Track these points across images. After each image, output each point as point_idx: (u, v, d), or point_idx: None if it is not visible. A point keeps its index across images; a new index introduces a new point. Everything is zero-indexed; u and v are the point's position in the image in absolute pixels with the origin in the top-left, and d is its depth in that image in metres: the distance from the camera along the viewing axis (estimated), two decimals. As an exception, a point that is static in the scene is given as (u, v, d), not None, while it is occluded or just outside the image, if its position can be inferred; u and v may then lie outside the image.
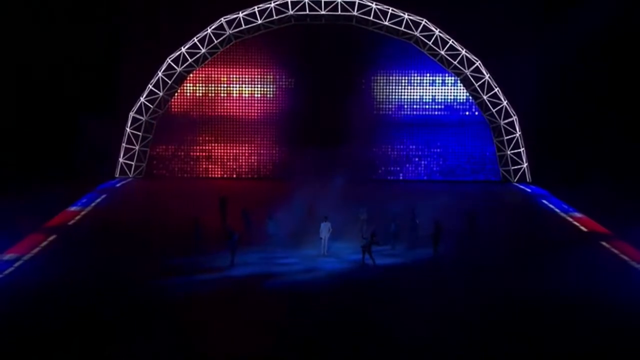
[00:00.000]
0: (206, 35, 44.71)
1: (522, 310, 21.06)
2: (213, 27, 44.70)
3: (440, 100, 46.88)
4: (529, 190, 43.36)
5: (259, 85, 46.76)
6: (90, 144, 39.95)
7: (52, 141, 41.06)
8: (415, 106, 47.01)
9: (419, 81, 46.72)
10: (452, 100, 46.86)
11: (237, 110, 46.95)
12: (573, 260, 25.68)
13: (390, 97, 46.98)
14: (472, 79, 45.34)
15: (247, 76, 46.65)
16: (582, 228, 32.50)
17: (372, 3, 44.19)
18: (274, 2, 44.31)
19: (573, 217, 34.69)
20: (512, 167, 46.35)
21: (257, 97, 46.88)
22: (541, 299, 22.01)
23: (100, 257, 25.92)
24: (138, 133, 45.72)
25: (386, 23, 44.54)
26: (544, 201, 39.01)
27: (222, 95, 46.83)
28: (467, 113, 46.89)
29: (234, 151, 47.25)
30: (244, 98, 46.89)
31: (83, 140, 39.82)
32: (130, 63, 44.14)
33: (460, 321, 20.12)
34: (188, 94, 46.73)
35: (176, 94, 46.45)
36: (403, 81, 46.78)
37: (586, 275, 24.18)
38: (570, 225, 33.18)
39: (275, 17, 44.61)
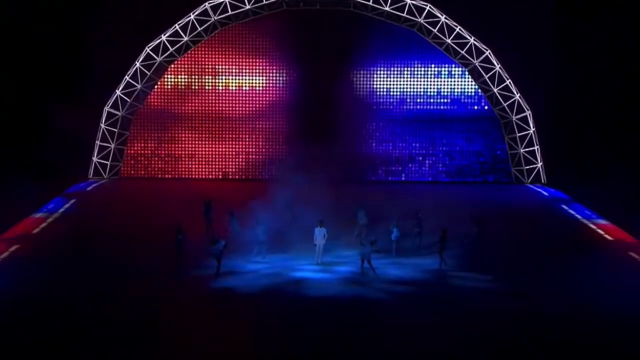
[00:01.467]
0: (189, 21, 44.48)
1: (539, 331, 20.78)
2: (196, 13, 44.46)
3: (446, 94, 46.75)
4: (545, 193, 43.24)
5: (247, 77, 46.47)
6: (59, 141, 39.59)
7: (16, 138, 40.34)
8: (419, 100, 46.90)
9: (423, 72, 46.59)
10: (459, 94, 46.74)
11: (224, 104, 46.68)
12: (597, 275, 25.38)
13: (392, 90, 46.87)
14: (481, 70, 45.25)
15: (234, 67, 46.42)
16: (607, 237, 32.16)
17: (372, -14, 44.22)
18: (263, -14, 44.28)
19: (596, 224, 34.33)
20: (526, 167, 46.29)
21: (245, 89, 46.67)
22: (560, 316, 21.80)
23: (71, 269, 25.60)
24: (114, 129, 45.43)
25: (387, 8, 44.43)
26: (564, 206, 38.64)
27: (206, 87, 46.61)
28: (476, 107, 46.81)
29: (220, 149, 47.01)
30: (230, 91, 46.67)
31: (51, 137, 39.47)
32: (104, 52, 43.67)
33: (468, 340, 19.96)
34: (169, 87, 46.50)
35: (156, 87, 46.23)
36: (405, 73, 46.66)
37: (613, 290, 23.81)
38: (594, 234, 32.75)
39: (264, 2, 44.39)
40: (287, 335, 20.01)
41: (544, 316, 21.71)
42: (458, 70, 46.34)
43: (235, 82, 46.57)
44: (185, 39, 44.77)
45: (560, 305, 22.65)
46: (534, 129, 45.54)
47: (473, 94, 46.65)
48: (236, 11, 44.59)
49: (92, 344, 19.15)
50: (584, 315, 21.78)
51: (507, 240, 30.80)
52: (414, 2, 44.20)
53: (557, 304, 22.83)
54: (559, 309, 22.32)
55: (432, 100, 46.89)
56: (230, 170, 47.18)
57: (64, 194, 40.01)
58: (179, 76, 46.41)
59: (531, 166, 46.21)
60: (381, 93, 46.84)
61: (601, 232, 32.96)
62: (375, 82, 46.78)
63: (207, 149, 46.95)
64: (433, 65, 46.49)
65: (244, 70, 46.44)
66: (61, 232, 31.39)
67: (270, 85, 46.62)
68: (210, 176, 46.99)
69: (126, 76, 44.63)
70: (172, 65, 46.07)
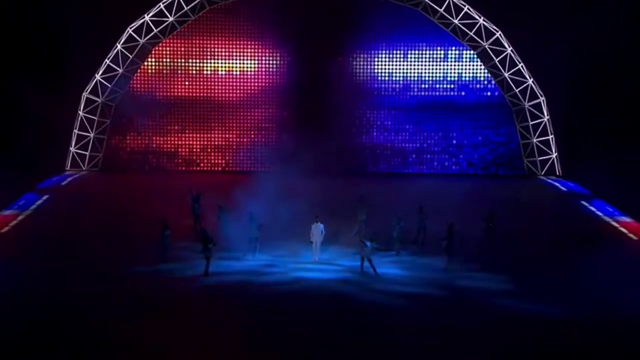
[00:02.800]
0: (174, 0, 44.54)
1: (556, 338, 20.74)
2: (182, -9, 44.61)
3: (453, 79, 46.80)
4: (560, 186, 43.31)
5: (237, 61, 46.50)
6: (33, 130, 39.47)
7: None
8: (424, 86, 46.93)
9: (428, 56, 46.61)
10: (467, 79, 46.77)
11: (212, 90, 46.72)
12: (621, 277, 25.09)
13: (394, 75, 46.88)
14: (491, 53, 45.38)
15: (223, 50, 46.38)
16: (632, 236, 31.87)
17: (373, -38, 44.30)
18: (255, -39, 44.28)
19: (619, 221, 33.97)
20: (539, 158, 46.52)
21: (235, 74, 46.70)
22: (580, 323, 21.81)
23: (43, 273, 25.32)
24: (93, 117, 45.49)
25: (389, -14, 44.65)
26: (583, 202, 38.39)
27: (193, 72, 46.60)
28: (488, 94, 46.81)
29: (208, 139, 47.09)
30: (219, 76, 46.65)
31: (24, 125, 39.35)
32: (82, 33, 43.59)
33: (476, 346, 20.13)
34: (153, 71, 46.51)
35: (138, 71, 46.26)
36: (410, 56, 46.67)
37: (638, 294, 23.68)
38: (616, 233, 32.36)
39: (256, -21, 44.60)
40: (281, 338, 20.14)
41: (560, 322, 21.73)
42: (467, 54, 46.35)
43: (225, 66, 46.57)
44: (171, 19, 44.77)
45: (579, 310, 22.60)
46: (548, 117, 45.69)
47: (482, 79, 46.73)
48: (226, -11, 44.73)
49: (65, 349, 19.23)
50: (606, 322, 21.70)
51: (519, 237, 30.80)
52: (418, -21, 44.35)
53: (575, 307, 22.81)
54: (576, 314, 22.30)
55: (438, 86, 46.95)
56: (220, 161, 47.25)
57: (36, 188, 39.61)
58: (164, 60, 46.41)
59: (545, 157, 46.41)
60: (383, 78, 46.89)
61: (624, 230, 32.74)
62: (376, 67, 46.81)
63: (194, 139, 47.00)
64: (439, 48, 46.52)
65: (234, 54, 46.42)
66: (33, 231, 30.98)
67: (263, 69, 46.59)
68: (197, 168, 47.07)
69: (106, 59, 44.61)
70: (156, 48, 46.09)
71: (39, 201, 36.93)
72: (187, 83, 46.61)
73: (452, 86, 46.95)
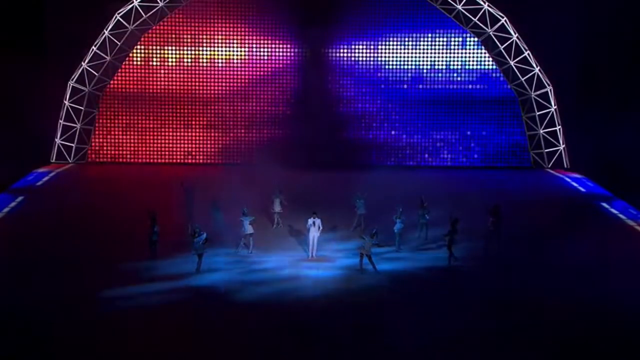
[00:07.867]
0: (164, -16, 44.50)
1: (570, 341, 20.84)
2: (173, -25, 44.50)
3: (457, 68, 46.62)
4: (567, 178, 43.32)
5: (233, 49, 46.12)
6: (15, 121, 39.32)
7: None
8: (427, 76, 46.55)
9: (429, 45, 46.42)
10: (471, 68, 46.52)
11: (205, 80, 46.50)
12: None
13: (394, 64, 46.50)
14: (496, 40, 45.34)
15: (217, 37, 46.02)
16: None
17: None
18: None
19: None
20: (546, 150, 46.54)
21: (227, 62, 46.31)
22: (591, 324, 21.93)
23: (31, 266, 25.41)
24: (79, 107, 45.40)
25: (390, -30, 44.59)
26: (603, 203, 37.83)
27: (172, 60, 46.17)
28: (495, 84, 46.61)
29: (202, 131, 46.91)
30: (213, 65, 46.31)
31: (6, 116, 39.20)
32: (67, 20, 43.50)
33: (481, 343, 20.21)
34: (142, 60, 46.35)
35: (127, 59, 46.13)
36: (421, 45, 46.39)
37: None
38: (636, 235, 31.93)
39: (251, -39, 44.50)
40: (277, 339, 20.18)
41: (570, 324, 21.79)
42: (472, 41, 46.17)
43: (219, 55, 46.34)
44: (161, 4, 44.61)
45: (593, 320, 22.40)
46: (555, 107, 45.69)
47: (486, 68, 46.63)
48: (219, -28, 44.63)
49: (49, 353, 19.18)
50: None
51: (525, 231, 30.73)
52: (420, -38, 44.28)
53: (590, 313, 22.71)
54: (590, 322, 22.19)
55: (448, 77, 46.63)
56: (214, 154, 47.08)
57: (10, 189, 37.81)
58: (154, 47, 46.23)
59: (552, 149, 46.43)
60: (385, 67, 46.66)
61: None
62: (374, 55, 46.58)
63: (186, 131, 46.86)
64: (453, 35, 46.09)
65: (230, 41, 46.19)
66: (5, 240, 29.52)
67: (259, 57, 46.39)
68: (191, 161, 46.90)
69: (93, 47, 44.47)
70: (146, 35, 45.96)
71: (12, 203, 35.04)
72: (178, 72, 46.24)
73: (463, 77, 46.58)
